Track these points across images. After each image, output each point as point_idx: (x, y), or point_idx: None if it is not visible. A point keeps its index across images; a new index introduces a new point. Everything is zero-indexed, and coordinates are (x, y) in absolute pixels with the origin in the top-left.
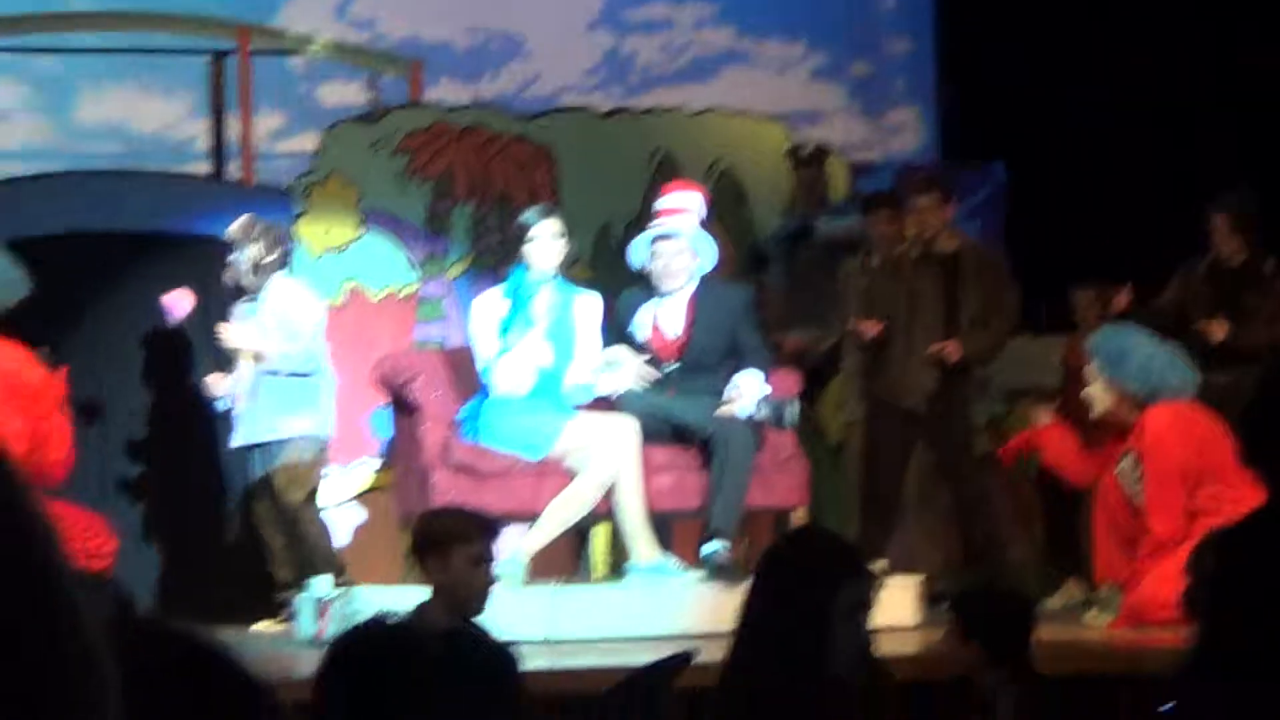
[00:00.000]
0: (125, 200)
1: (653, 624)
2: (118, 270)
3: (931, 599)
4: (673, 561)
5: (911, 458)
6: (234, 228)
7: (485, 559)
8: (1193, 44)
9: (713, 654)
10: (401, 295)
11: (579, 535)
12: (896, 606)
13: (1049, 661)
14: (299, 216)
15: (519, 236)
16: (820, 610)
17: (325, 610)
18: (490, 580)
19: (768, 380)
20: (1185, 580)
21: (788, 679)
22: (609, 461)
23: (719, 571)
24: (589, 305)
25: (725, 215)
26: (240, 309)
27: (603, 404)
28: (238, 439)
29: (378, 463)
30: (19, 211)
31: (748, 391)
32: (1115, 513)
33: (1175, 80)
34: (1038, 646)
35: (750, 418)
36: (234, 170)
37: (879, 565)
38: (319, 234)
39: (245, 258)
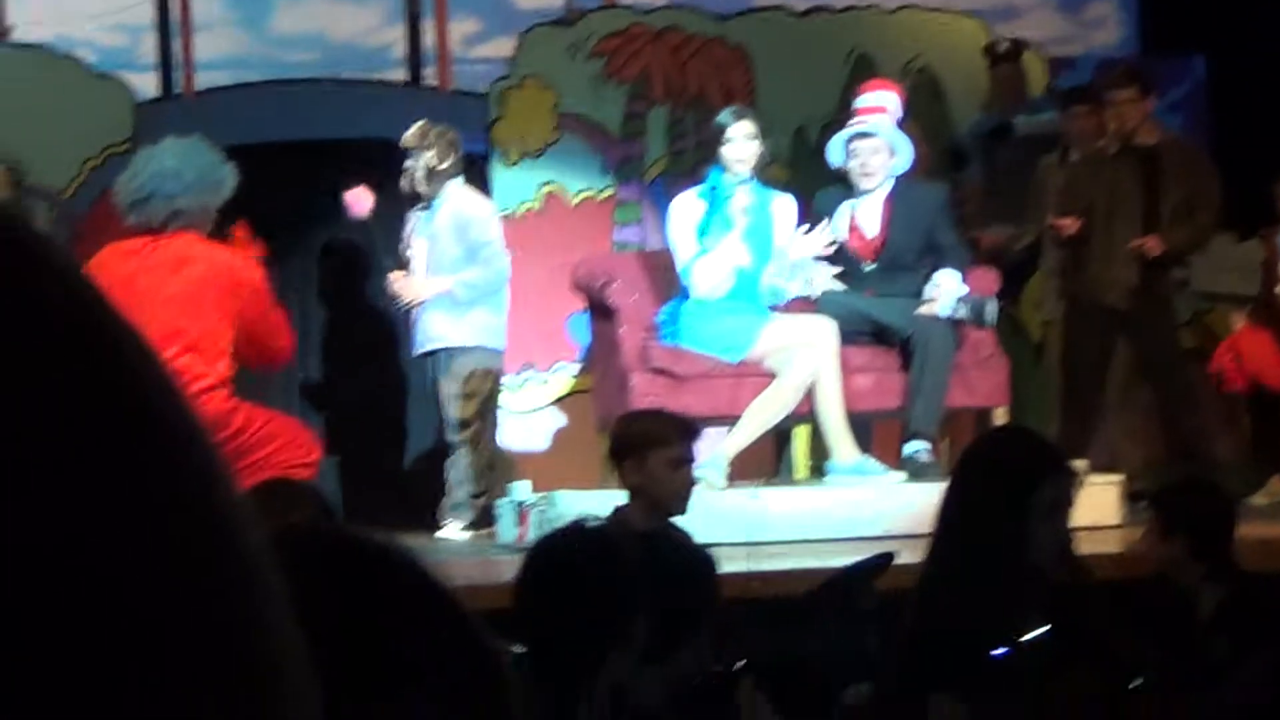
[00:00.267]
0: (323, 109)
1: (853, 526)
2: (315, 179)
3: (1132, 497)
4: (872, 462)
5: (1113, 355)
6: (409, 134)
7: (684, 461)
8: None
9: (913, 555)
10: (598, 199)
11: (779, 437)
12: (1097, 505)
13: (1252, 559)
14: (495, 122)
15: (715, 138)
16: (1020, 509)
17: (525, 515)
18: (689, 483)
19: (966, 279)
20: None
21: (987, 578)
22: (808, 363)
23: (920, 472)
24: (785, 207)
25: (922, 113)
26: (414, 216)
27: (801, 305)
28: (416, 346)
29: (576, 367)
30: (219, 121)
31: (946, 290)
32: None
33: None
34: (1241, 544)
35: (950, 317)
36: (430, 76)
37: (1080, 464)
38: (515, 139)
39: (420, 164)
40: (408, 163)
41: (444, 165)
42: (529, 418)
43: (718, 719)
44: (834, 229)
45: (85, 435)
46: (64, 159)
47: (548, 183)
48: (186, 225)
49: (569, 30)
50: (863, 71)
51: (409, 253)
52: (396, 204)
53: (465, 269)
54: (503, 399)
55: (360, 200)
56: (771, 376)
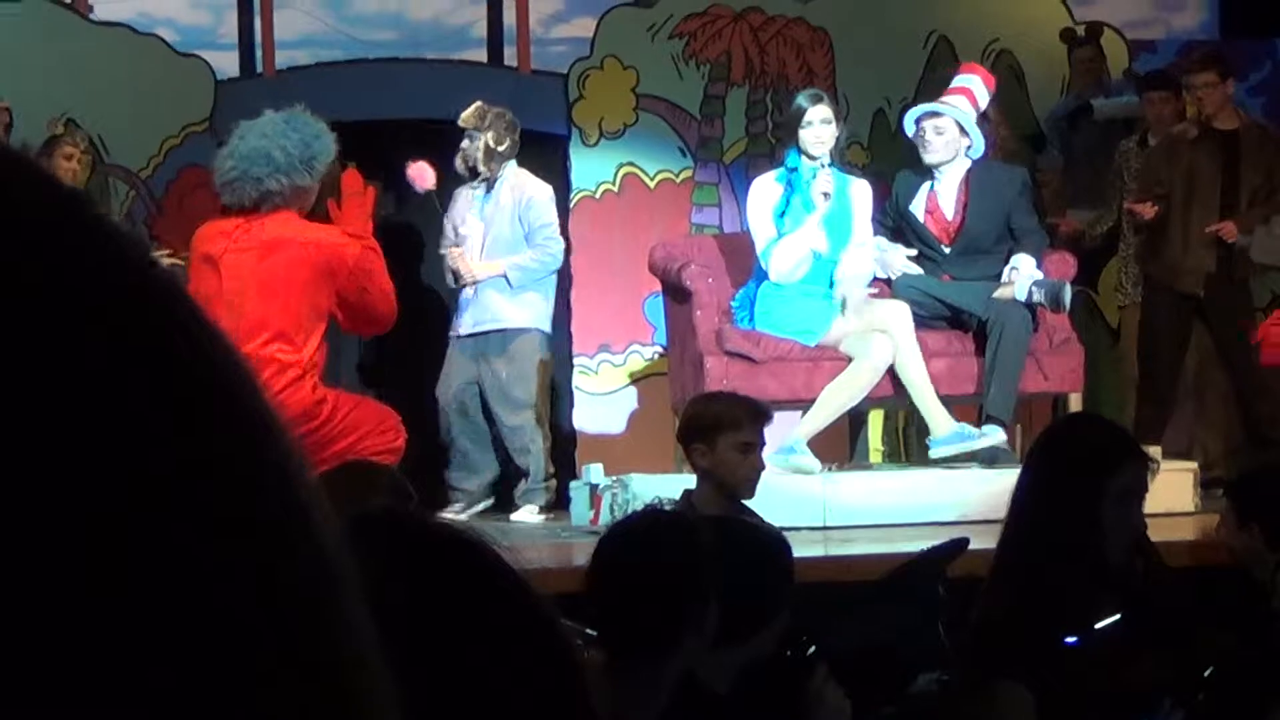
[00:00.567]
0: (402, 88)
1: (927, 511)
2: (397, 158)
3: (1208, 485)
4: (969, 428)
5: (1189, 341)
6: (467, 114)
7: (753, 445)
8: None
9: (987, 541)
10: (677, 180)
11: (853, 421)
12: (1173, 492)
13: None
14: (575, 103)
15: (793, 122)
16: (1094, 496)
17: (598, 499)
18: (759, 467)
19: (1043, 263)
20: None
21: (1060, 565)
22: (883, 347)
23: (994, 457)
24: (863, 191)
25: (1002, 96)
26: (467, 195)
27: (878, 288)
28: (463, 326)
29: (652, 350)
30: (298, 100)
31: (1024, 274)
32: None
33: None
34: None
35: (1026, 301)
36: (510, 56)
37: (1154, 450)
38: (595, 120)
39: (479, 145)
40: (465, 143)
41: (503, 147)
42: (604, 399)
43: (789, 704)
44: (913, 210)
45: (147, 417)
46: (144, 138)
47: (626, 164)
48: (279, 205)
49: (649, 11)
50: (943, 53)
51: (463, 230)
52: (453, 185)
53: (520, 251)
54: (578, 380)
55: (424, 174)
56: (847, 360)
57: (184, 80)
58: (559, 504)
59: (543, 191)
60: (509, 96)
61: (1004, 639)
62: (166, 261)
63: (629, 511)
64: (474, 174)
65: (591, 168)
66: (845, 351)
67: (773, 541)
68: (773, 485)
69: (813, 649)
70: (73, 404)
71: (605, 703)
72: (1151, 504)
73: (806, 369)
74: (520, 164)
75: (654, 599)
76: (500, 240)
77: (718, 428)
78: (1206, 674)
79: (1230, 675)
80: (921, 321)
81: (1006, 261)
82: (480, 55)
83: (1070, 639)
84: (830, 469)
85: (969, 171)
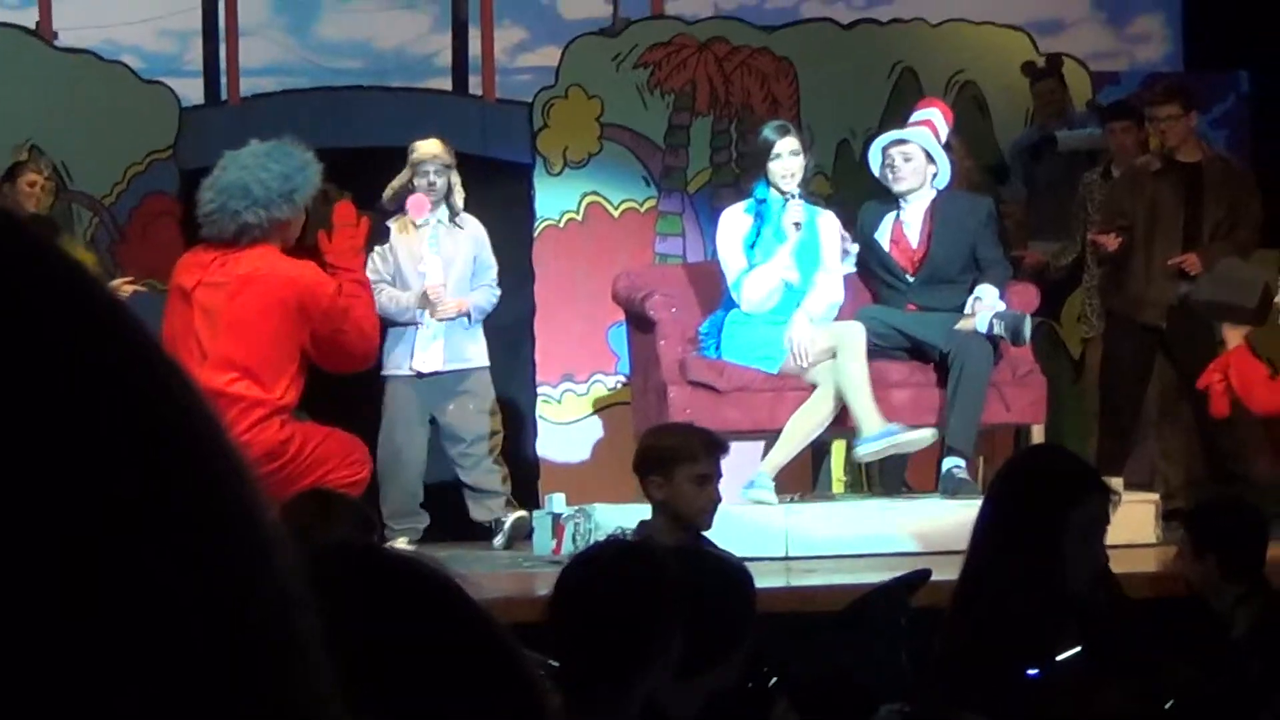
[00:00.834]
0: (367, 116)
1: (890, 541)
2: (360, 186)
3: (1169, 516)
4: (897, 425)
5: (1151, 373)
6: (437, 147)
7: (710, 477)
8: None
9: (949, 572)
10: (641, 210)
11: (816, 452)
12: (1134, 524)
13: None
14: (539, 131)
15: (761, 154)
16: (1056, 527)
17: (560, 528)
18: (716, 499)
19: (1006, 294)
20: None
21: (1022, 597)
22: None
23: (956, 489)
24: (829, 222)
25: (966, 127)
26: (423, 232)
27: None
28: (426, 364)
29: (615, 379)
30: (263, 128)
31: (987, 304)
32: None
33: None
34: (1277, 565)
35: (988, 334)
36: (475, 85)
37: (1116, 482)
38: (559, 149)
39: (448, 180)
40: (432, 176)
41: (460, 184)
42: (568, 429)
43: None
44: (878, 240)
45: (105, 448)
46: (108, 164)
47: (590, 193)
48: (258, 238)
49: (614, 40)
50: (907, 85)
51: (421, 267)
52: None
53: (466, 290)
54: (541, 410)
55: (420, 205)
56: (811, 389)
57: (148, 107)
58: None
59: (485, 232)
60: (474, 125)
61: (966, 670)
62: (128, 289)
63: (591, 541)
64: (434, 208)
65: (555, 197)
66: (809, 380)
67: (736, 572)
68: (734, 516)
69: (775, 680)
70: (42, 433)
71: None
72: (1113, 536)
73: (770, 399)
74: (486, 193)
75: (617, 629)
76: (462, 278)
77: (674, 460)
78: (1168, 706)
79: (1191, 707)
80: (883, 352)
81: (971, 291)
82: (445, 84)
83: (1032, 671)
84: (792, 499)
85: (934, 201)
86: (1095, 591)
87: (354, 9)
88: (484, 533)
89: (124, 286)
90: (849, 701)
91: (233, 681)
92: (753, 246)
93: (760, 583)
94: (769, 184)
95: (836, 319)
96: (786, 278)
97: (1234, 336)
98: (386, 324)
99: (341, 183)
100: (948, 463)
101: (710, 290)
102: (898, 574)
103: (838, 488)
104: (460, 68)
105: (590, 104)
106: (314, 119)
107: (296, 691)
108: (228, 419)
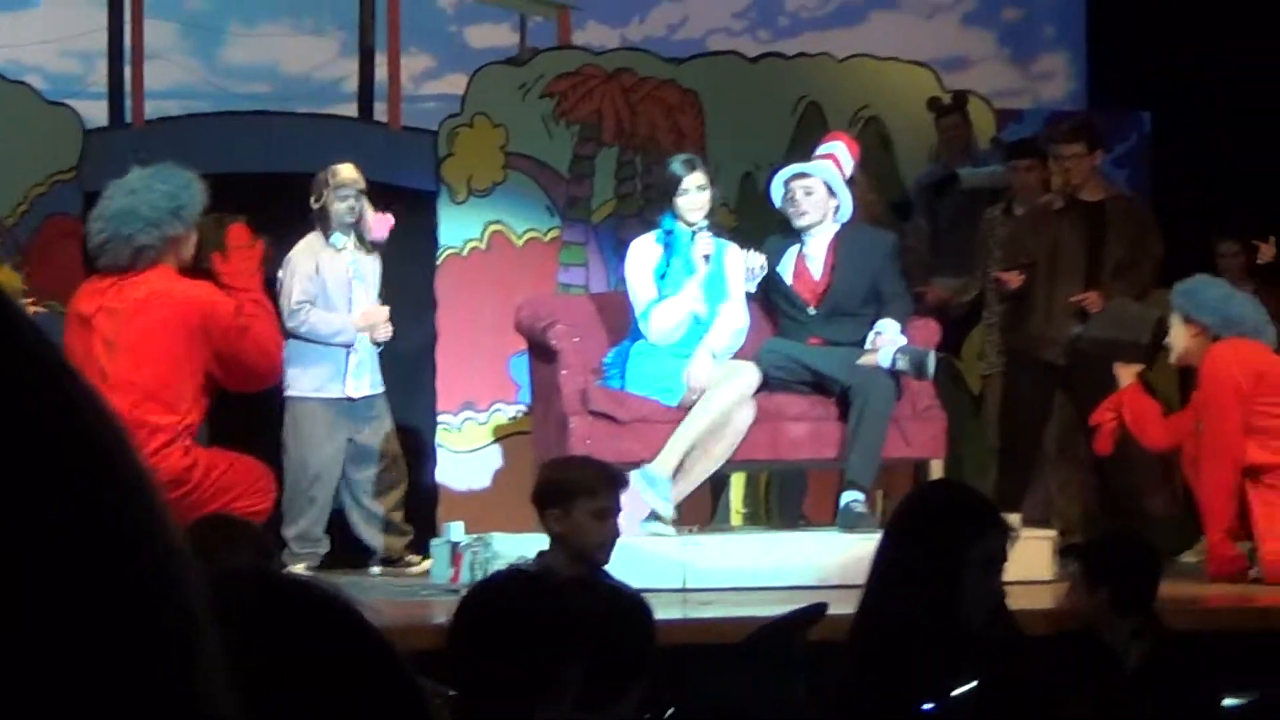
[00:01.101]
0: (272, 142)
1: (787, 575)
2: (265, 210)
3: (1065, 552)
4: (665, 485)
5: (1051, 410)
6: (355, 173)
7: (609, 511)
8: None
9: (846, 606)
10: (544, 239)
11: (715, 484)
12: (1031, 560)
13: (1182, 617)
14: (444, 159)
15: (669, 188)
16: (953, 563)
17: (459, 556)
18: (614, 534)
19: (908, 329)
20: None
21: (919, 632)
22: (745, 410)
23: (855, 523)
24: (735, 255)
25: (870, 162)
26: (330, 254)
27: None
28: (357, 389)
29: (515, 408)
30: (167, 151)
31: (888, 338)
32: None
33: None
34: (1171, 602)
35: (890, 369)
36: (380, 112)
37: (1013, 518)
38: (463, 177)
39: (364, 206)
40: (351, 201)
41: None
42: (467, 457)
43: None
44: (780, 273)
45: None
46: (10, 186)
47: (494, 222)
48: (154, 260)
49: (520, 70)
50: (812, 119)
51: (347, 292)
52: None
53: None
54: (441, 438)
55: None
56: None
57: (52, 129)
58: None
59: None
60: (379, 152)
61: (862, 704)
62: (31, 310)
63: (490, 570)
64: (343, 234)
65: (460, 225)
66: None
67: (635, 604)
68: (632, 547)
69: (671, 712)
70: None
71: None
72: (1009, 572)
73: (670, 431)
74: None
75: (516, 659)
76: (374, 302)
77: (573, 494)
78: None
79: None
80: (785, 385)
81: (873, 325)
82: (351, 110)
83: (928, 705)
84: (691, 531)
85: (837, 234)
86: (992, 626)
87: (261, 33)
88: (361, 559)
89: (28, 308)
90: None
91: (139, 695)
92: (663, 277)
93: (658, 614)
94: (675, 216)
95: (741, 349)
96: (695, 310)
97: (1126, 375)
98: (309, 346)
99: (246, 207)
100: (846, 496)
101: (613, 321)
102: (795, 607)
103: (736, 520)
104: (366, 94)
105: (496, 133)
106: (219, 142)
107: (201, 706)
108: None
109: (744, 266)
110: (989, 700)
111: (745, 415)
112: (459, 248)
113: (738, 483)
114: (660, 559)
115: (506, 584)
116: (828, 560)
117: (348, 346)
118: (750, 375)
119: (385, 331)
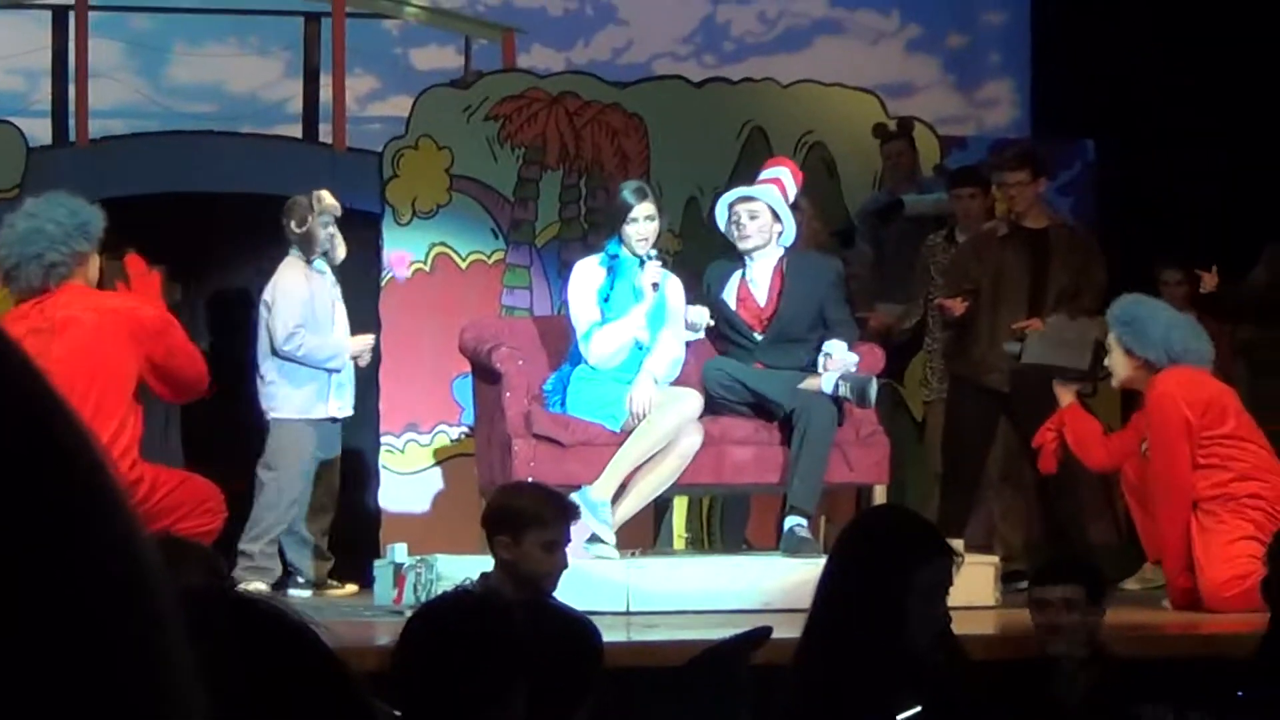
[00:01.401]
0: (216, 161)
1: (731, 598)
2: (206, 230)
3: (1009, 578)
4: (606, 510)
5: (994, 436)
6: (332, 199)
7: (559, 542)
8: None
9: (790, 630)
10: (489, 262)
11: (659, 508)
12: (974, 586)
13: (1124, 644)
14: (388, 181)
15: (618, 216)
16: (897, 589)
17: (402, 578)
18: (563, 565)
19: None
20: (1265, 569)
21: (863, 656)
22: (691, 434)
23: (797, 548)
24: (676, 285)
25: (814, 188)
26: (316, 277)
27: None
28: (344, 409)
29: (459, 430)
30: (111, 170)
31: (837, 360)
32: (1140, 493)
33: (1268, 58)
34: (1113, 629)
35: (833, 395)
36: (325, 133)
37: (958, 544)
38: (408, 199)
39: (332, 230)
40: (332, 228)
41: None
42: (410, 479)
43: None
44: (725, 298)
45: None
46: None
47: (438, 243)
48: (66, 277)
49: (465, 92)
50: (757, 144)
51: (332, 316)
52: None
53: None
54: (384, 459)
55: (402, 260)
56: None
57: None
58: (362, 583)
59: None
60: (323, 173)
61: None
62: None
63: (433, 591)
64: (319, 257)
65: (404, 247)
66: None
67: (582, 627)
68: (576, 569)
69: None
70: None
71: None
72: (952, 597)
73: (613, 454)
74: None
75: (463, 680)
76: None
77: (524, 524)
78: None
79: None
80: (728, 407)
81: (819, 350)
82: (296, 131)
83: None
84: (634, 554)
85: (782, 259)
86: (936, 651)
87: (206, 53)
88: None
89: None
90: None
91: (109, 697)
92: (606, 300)
93: (604, 637)
94: (622, 242)
95: (679, 376)
96: (638, 336)
97: (1066, 394)
98: (296, 367)
99: (190, 226)
100: (789, 521)
101: (557, 343)
102: (740, 631)
103: (679, 544)
104: (311, 115)
105: (440, 155)
106: (163, 162)
107: (172, 709)
108: None
109: (683, 294)
110: None
111: (693, 440)
112: (403, 269)
113: (680, 506)
114: (604, 582)
115: (453, 605)
116: (772, 584)
117: (333, 370)
118: (693, 401)
119: (368, 356)
